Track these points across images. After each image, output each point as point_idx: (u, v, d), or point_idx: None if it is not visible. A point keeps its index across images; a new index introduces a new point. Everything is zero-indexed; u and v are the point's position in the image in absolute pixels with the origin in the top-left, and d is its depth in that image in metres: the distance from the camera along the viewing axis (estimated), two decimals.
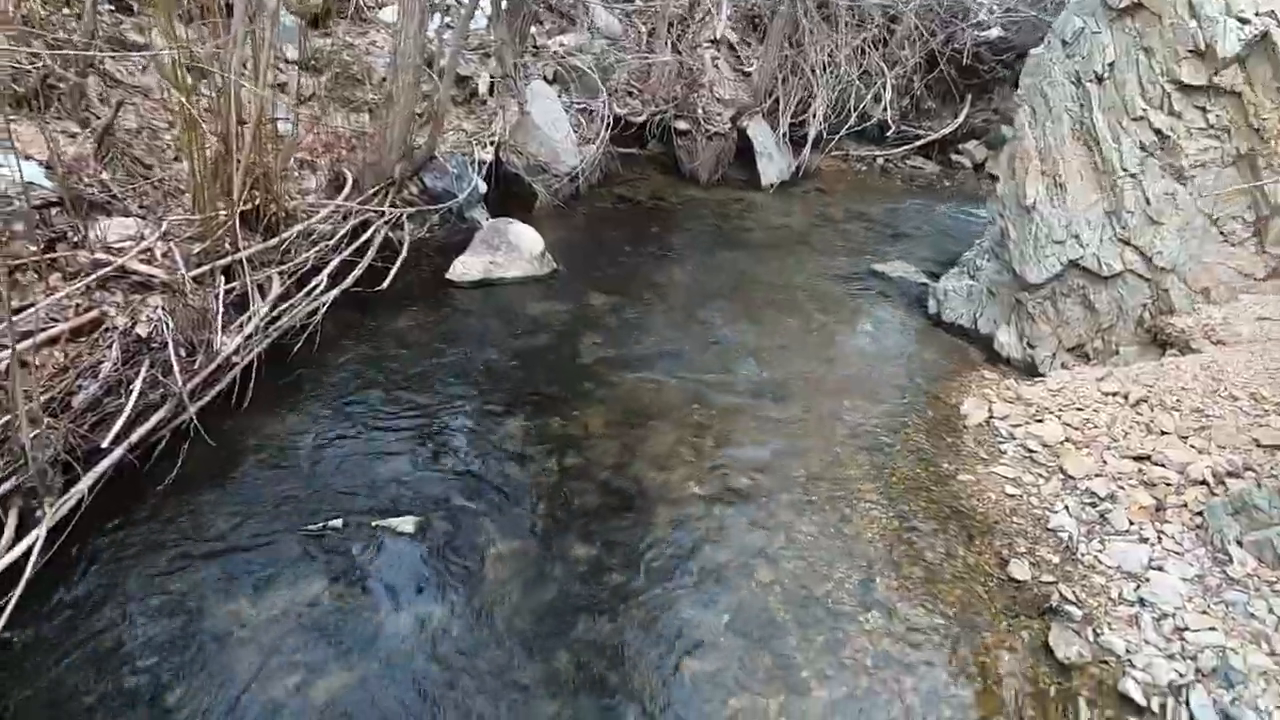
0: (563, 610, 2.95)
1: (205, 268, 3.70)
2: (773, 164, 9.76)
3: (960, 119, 11.67)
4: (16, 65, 3.93)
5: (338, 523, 3.08)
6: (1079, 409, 4.37)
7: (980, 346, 5.66)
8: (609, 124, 8.27)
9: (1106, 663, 2.89)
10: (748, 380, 4.84)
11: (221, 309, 3.58)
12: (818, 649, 2.91)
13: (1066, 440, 4.16)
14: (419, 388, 4.19)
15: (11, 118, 3.71)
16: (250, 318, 3.80)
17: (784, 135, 10.00)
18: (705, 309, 5.83)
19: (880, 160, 11.24)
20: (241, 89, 4.08)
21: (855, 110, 10.37)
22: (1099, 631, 3.01)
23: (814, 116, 10.14)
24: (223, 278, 3.80)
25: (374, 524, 3.11)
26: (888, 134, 10.93)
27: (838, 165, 10.83)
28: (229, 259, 3.85)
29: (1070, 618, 3.07)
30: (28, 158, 3.49)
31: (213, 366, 3.47)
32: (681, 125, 9.39)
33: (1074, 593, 3.19)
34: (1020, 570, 3.33)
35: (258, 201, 4.32)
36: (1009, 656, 2.93)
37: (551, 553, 3.22)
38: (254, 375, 3.73)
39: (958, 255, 6.73)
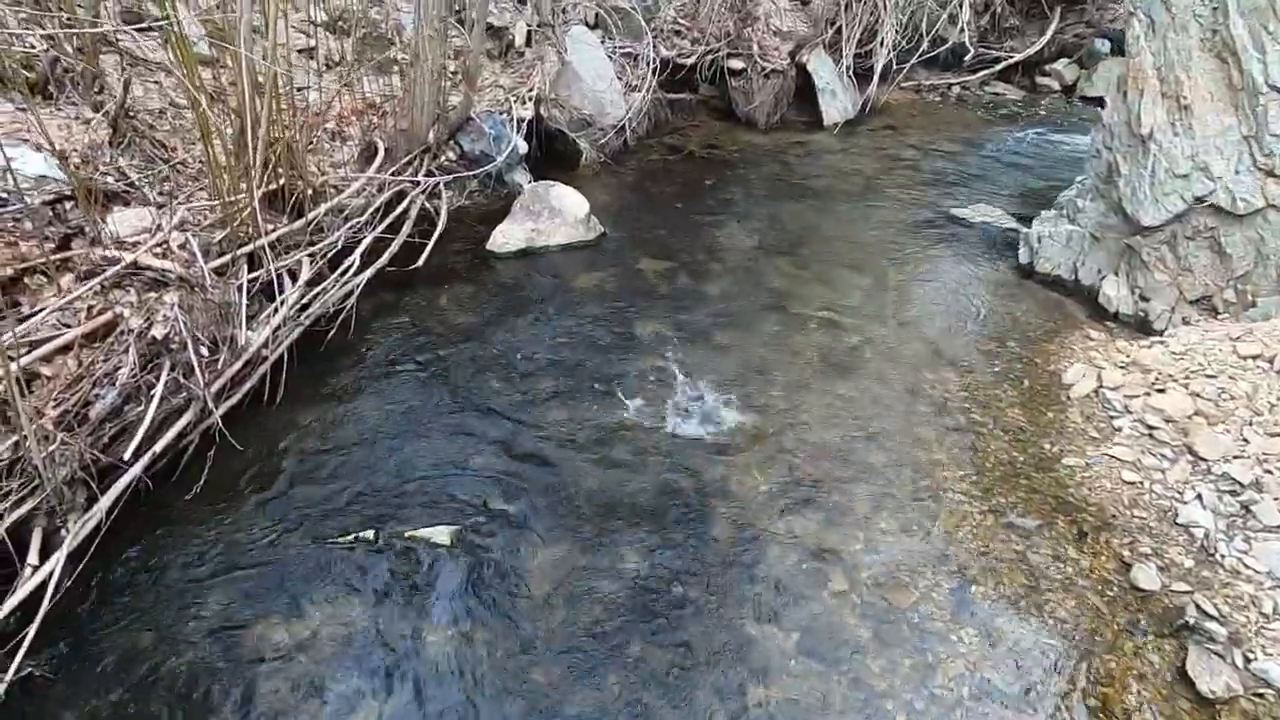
0: (612, 630, 2.67)
1: (226, 257, 3.49)
2: (836, 101, 8.94)
3: (1048, 36, 10.40)
4: (29, 49, 3.73)
5: (370, 534, 2.87)
6: (1211, 375, 3.73)
7: (1082, 301, 4.98)
8: (656, 68, 7.66)
9: (1263, 695, 2.42)
10: (815, 351, 4.37)
11: (245, 300, 3.36)
12: (903, 675, 2.54)
13: (1196, 414, 3.55)
14: (457, 374, 3.92)
15: (22, 107, 3.54)
16: (279, 307, 3.58)
17: (848, 68, 9.12)
18: (767, 270, 5.34)
19: (956, 89, 10.20)
20: (256, 58, 3.77)
21: (928, 34, 9.36)
22: (1250, 656, 2.52)
23: (881, 44, 9.18)
24: (246, 266, 3.58)
25: (407, 534, 2.88)
26: (965, 59, 9.87)
27: (909, 97, 9.87)
28: (252, 245, 3.62)
29: (1212, 638, 2.59)
30: (39, 149, 3.31)
31: (239, 364, 3.28)
32: (735, 64, 8.65)
33: (1215, 605, 2.69)
34: (1146, 576, 2.84)
35: (282, 180, 4.06)
36: (1138, 687, 2.48)
37: (600, 563, 2.93)
38: (285, 369, 3.53)
39: (1051, 194, 5.95)
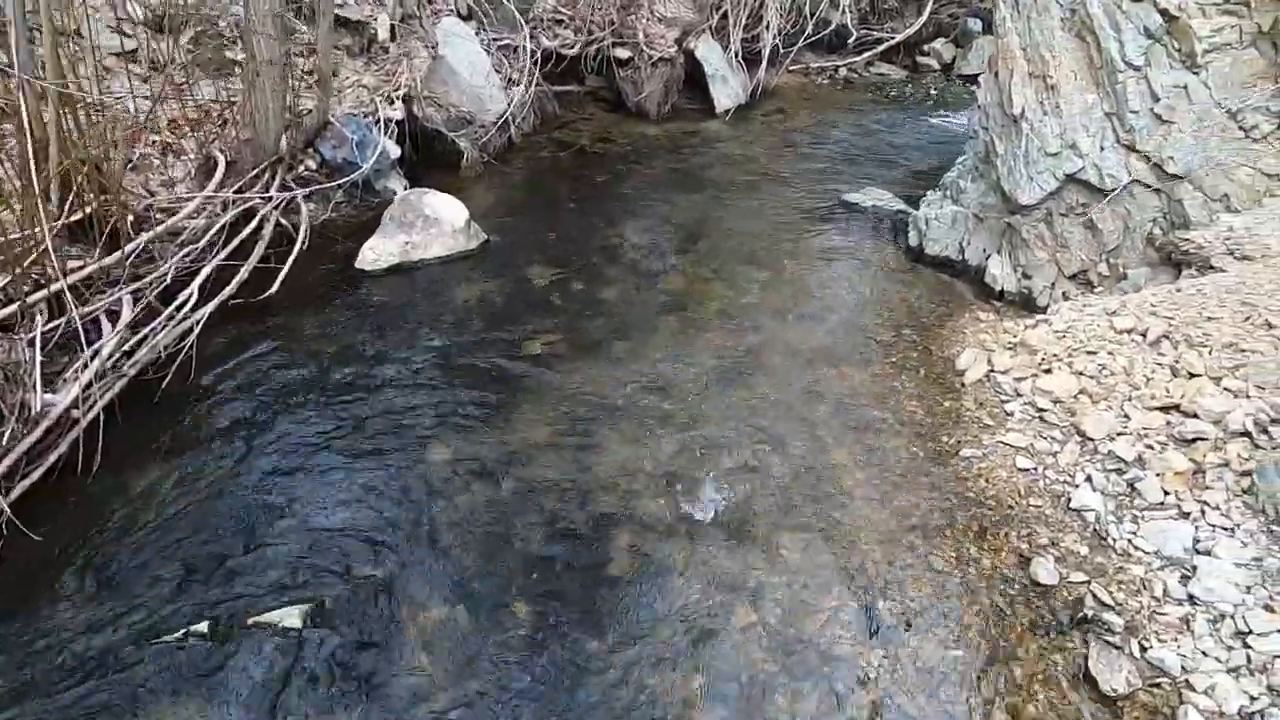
0: (500, 700, 2.39)
1: (12, 307, 2.93)
2: (727, 87, 8.83)
3: (924, 16, 10.65)
4: None
5: (203, 626, 2.46)
6: (1091, 352, 3.78)
7: (970, 281, 5.04)
8: (538, 60, 7.29)
9: (1159, 686, 2.40)
10: (715, 356, 4.20)
11: (39, 357, 2.84)
12: (813, 710, 2.38)
13: (1081, 393, 3.59)
14: (320, 416, 3.50)
15: None
16: (90, 359, 3.06)
17: (736, 53, 9.01)
18: (663, 270, 5.13)
19: (843, 70, 10.32)
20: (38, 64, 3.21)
21: (812, 17, 9.39)
22: (1146, 644, 2.51)
23: (767, 28, 9.14)
24: (45, 313, 3.03)
25: (250, 621, 2.49)
26: (849, 40, 9.99)
27: (798, 81, 9.90)
28: (50, 289, 3.08)
29: (1110, 629, 2.56)
30: None
31: (36, 434, 2.77)
32: (621, 53, 8.37)
33: (1110, 594, 2.68)
34: (1045, 570, 2.80)
35: (90, 207, 3.50)
36: (1044, 693, 2.43)
37: (484, 621, 2.64)
38: (102, 431, 3.02)
39: (937, 175, 6.03)
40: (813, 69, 10.19)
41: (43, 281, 3.12)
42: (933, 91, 9.73)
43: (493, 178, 6.43)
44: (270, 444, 3.29)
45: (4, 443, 2.64)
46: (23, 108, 3.02)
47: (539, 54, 7.38)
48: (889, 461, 3.43)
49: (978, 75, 10.24)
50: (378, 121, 5.67)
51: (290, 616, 2.47)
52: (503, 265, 5.04)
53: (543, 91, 7.59)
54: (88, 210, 3.48)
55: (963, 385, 3.90)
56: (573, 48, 8.09)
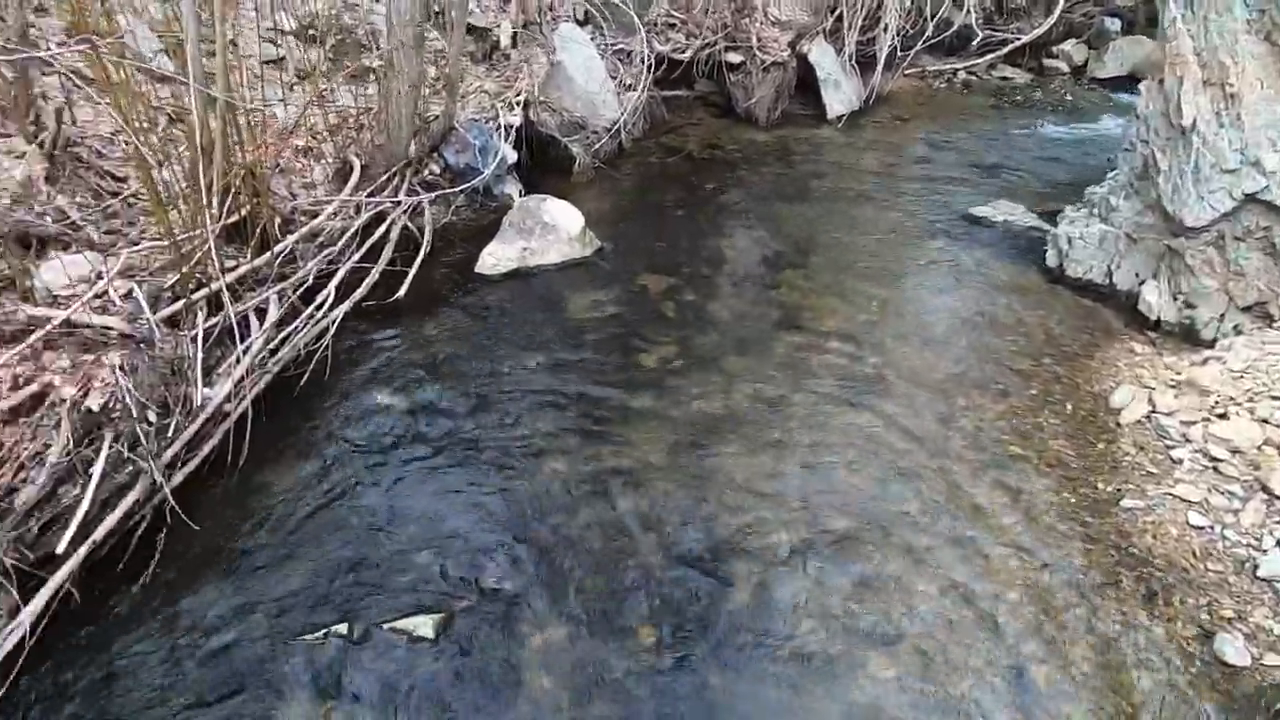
0: None
1: (179, 304, 3.12)
2: (840, 92, 8.55)
3: (1055, 16, 9.94)
4: None
5: (342, 628, 2.52)
6: (1277, 397, 3.36)
7: (1119, 308, 4.61)
8: (650, 65, 7.25)
9: None
10: (834, 376, 4.01)
11: (201, 353, 3.00)
12: None
13: (1266, 444, 3.20)
14: (444, 421, 3.56)
15: None
16: (242, 355, 3.22)
17: (851, 57, 8.70)
18: (776, 284, 4.96)
19: (962, 74, 9.81)
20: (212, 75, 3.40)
21: (933, 18, 8.94)
22: None
23: (884, 30, 8.77)
24: (205, 311, 3.21)
25: (386, 626, 2.53)
26: (971, 42, 9.45)
27: (914, 85, 9.48)
28: (210, 288, 3.26)
29: None
30: None
31: (196, 426, 2.92)
32: (733, 57, 8.23)
33: None
34: (1233, 649, 2.49)
35: (245, 210, 3.69)
36: None
37: (608, 645, 2.58)
38: (250, 425, 3.17)
39: (1075, 188, 5.57)
40: (930, 72, 9.73)
41: (204, 280, 3.30)
42: (1067, 97, 9.08)
43: (603, 183, 6.44)
44: (398, 447, 3.37)
45: (170, 434, 2.79)
46: (194, 116, 3.19)
47: (651, 58, 7.35)
48: (1035, 506, 3.15)
49: (1114, 79, 9.54)
50: (498, 127, 5.76)
51: (424, 626, 2.50)
52: (615, 273, 5.01)
53: (653, 96, 7.56)
54: (242, 213, 3.67)
55: (1118, 426, 3.55)
56: (684, 52, 8.02)
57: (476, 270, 4.80)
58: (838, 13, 8.70)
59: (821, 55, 8.55)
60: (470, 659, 2.49)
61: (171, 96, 4.33)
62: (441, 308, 4.42)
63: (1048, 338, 4.35)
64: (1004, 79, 9.92)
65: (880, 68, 8.56)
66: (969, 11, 9.26)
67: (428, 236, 4.79)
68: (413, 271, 4.41)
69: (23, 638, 2.20)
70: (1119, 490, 3.17)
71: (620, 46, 7.39)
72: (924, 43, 8.92)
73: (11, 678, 2.22)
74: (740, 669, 2.53)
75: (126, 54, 3.86)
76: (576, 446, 3.48)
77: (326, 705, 2.32)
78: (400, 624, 2.52)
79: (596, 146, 6.60)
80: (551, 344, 4.22)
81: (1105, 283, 4.78)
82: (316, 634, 2.48)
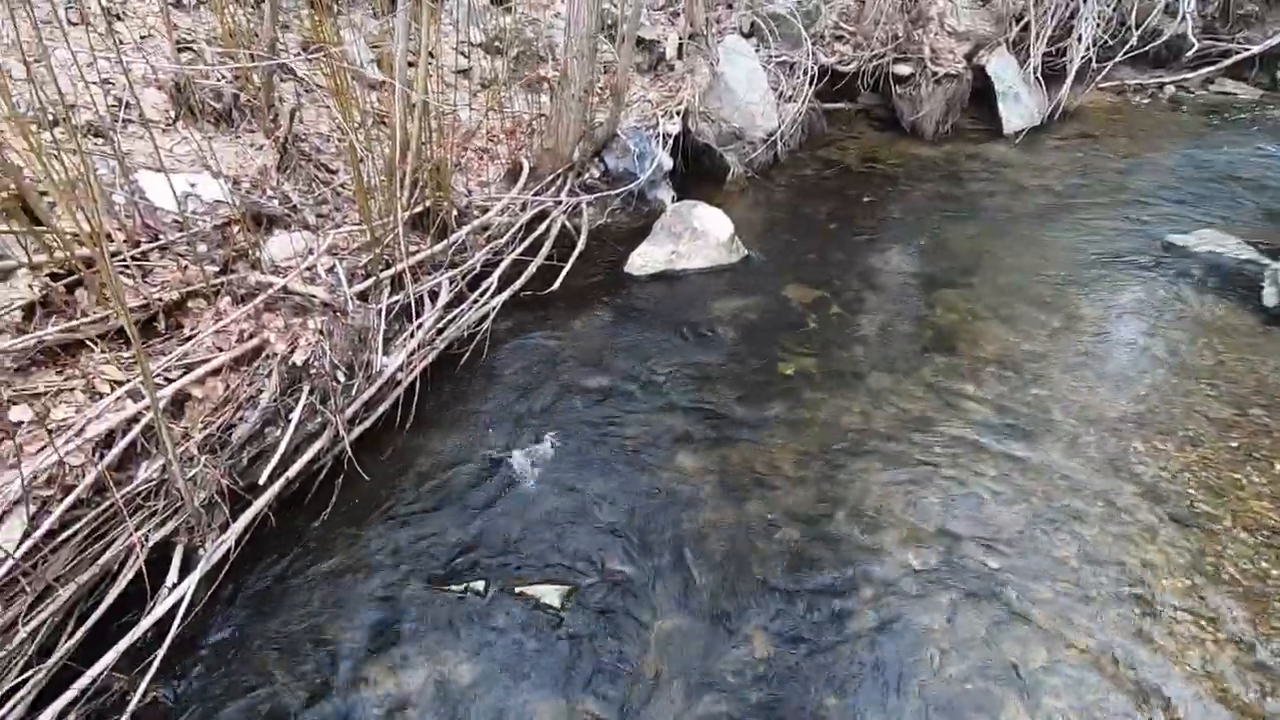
0: None
1: (370, 281, 3.53)
2: (1019, 106, 7.97)
3: None
4: (219, 81, 4.02)
5: (480, 585, 2.73)
6: None
7: None
8: (813, 77, 7.18)
9: None
10: (990, 404, 3.75)
11: (384, 325, 3.38)
12: None
13: None
14: (586, 408, 3.74)
15: (209, 135, 3.81)
16: (415, 330, 3.58)
17: (1036, 69, 8.08)
18: (932, 303, 4.72)
19: (1170, 88, 8.80)
20: (412, 82, 3.83)
21: (1137, 27, 8.10)
22: None
23: (1079, 40, 8.07)
24: (389, 289, 3.61)
25: (518, 590, 2.71)
26: (1185, 54, 8.45)
27: (1108, 100, 8.64)
28: (395, 269, 3.66)
29: None
30: (216, 175, 3.53)
31: (373, 389, 3.29)
32: (902, 70, 7.93)
33: None
34: None
35: (429, 201, 4.10)
36: None
37: (722, 645, 2.59)
38: (416, 394, 3.52)
39: None
40: (1129, 86, 8.84)
41: (390, 262, 3.70)
42: None
43: (756, 194, 6.44)
44: (543, 428, 3.58)
45: (352, 393, 3.17)
46: (396, 117, 3.61)
47: (815, 70, 7.26)
48: (1224, 573, 2.77)
49: None
50: (656, 135, 5.96)
51: (550, 595, 2.65)
52: (761, 282, 5.01)
53: (813, 109, 7.46)
54: (426, 204, 4.08)
55: None
56: (850, 64, 7.84)
57: (625, 270, 4.98)
58: (1024, 22, 8.13)
59: (1002, 66, 8.02)
60: (590, 633, 2.61)
61: (376, 100, 4.91)
62: (591, 302, 4.65)
63: (1258, 385, 3.80)
64: (1224, 94, 8.78)
65: (1070, 80, 7.90)
66: (1184, 19, 8.32)
67: (583, 235, 5.05)
68: (567, 267, 4.67)
69: (228, 550, 2.60)
70: None
71: (784, 59, 7.37)
72: (1125, 54, 8.12)
73: (219, 581, 2.63)
74: (856, 698, 2.44)
75: (345, 63, 4.44)
76: (708, 446, 3.52)
77: (457, 653, 2.53)
78: (529, 590, 2.69)
79: (752, 157, 6.63)
80: (691, 344, 4.30)
81: None
82: (457, 587, 2.71)
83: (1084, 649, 2.53)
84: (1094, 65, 8.02)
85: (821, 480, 3.33)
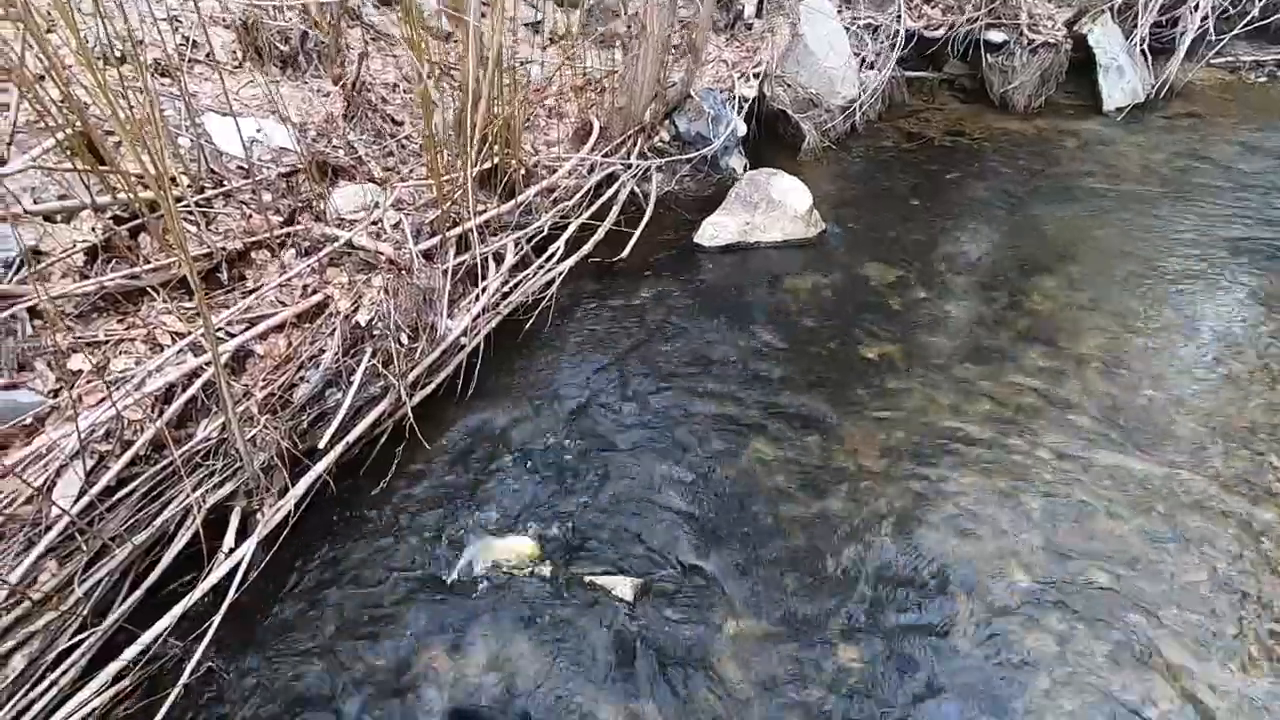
0: None
1: (435, 239, 3.35)
2: (1121, 80, 7.34)
3: None
4: (286, 24, 3.85)
5: (546, 569, 2.56)
6: None
7: None
8: (899, 42, 6.70)
9: None
10: (1096, 404, 3.41)
11: (449, 286, 3.20)
12: None
13: None
14: (654, 385, 3.52)
15: (274, 80, 3.64)
16: (480, 294, 3.40)
17: (1142, 40, 7.41)
18: (1025, 290, 4.35)
19: None
20: (483, 30, 3.59)
21: None
22: None
23: (1194, 10, 7.37)
24: (454, 249, 3.42)
25: (587, 578, 2.53)
26: None
27: (1221, 78, 7.91)
28: (462, 227, 3.46)
29: None
30: (283, 121, 3.37)
31: (437, 353, 3.13)
32: (994, 36, 7.36)
33: None
34: None
35: (497, 159, 3.89)
36: None
37: (802, 652, 2.38)
38: (479, 360, 3.35)
39: None
40: (1244, 63, 8.08)
41: (456, 220, 3.51)
42: None
43: (831, 164, 6.06)
44: (607, 404, 3.38)
45: (415, 356, 3.01)
46: (470, 69, 3.38)
47: (901, 35, 6.78)
48: None
49: None
50: (731, 98, 5.62)
51: (623, 587, 2.47)
52: (839, 258, 4.68)
53: (894, 77, 6.99)
54: (495, 161, 3.87)
55: None
56: (938, 29, 7.31)
57: (695, 240, 4.71)
58: None
59: (1105, 36, 7.38)
60: (662, 631, 2.42)
61: (444, 53, 4.70)
62: (659, 273, 4.40)
63: None
64: None
65: (1180, 54, 7.23)
66: None
67: (652, 202, 4.79)
68: (636, 234, 4.43)
69: (287, 515, 2.47)
70: None
71: (868, 21, 6.89)
72: (1243, 26, 7.39)
73: (277, 546, 2.52)
74: None
75: (414, 13, 4.23)
76: (785, 434, 3.28)
77: (520, 641, 2.37)
78: (600, 580, 2.51)
79: (829, 126, 6.23)
80: (764, 322, 4.03)
81: None
82: (521, 570, 2.55)
83: (1215, 686, 2.24)
84: (1210, 38, 7.32)
85: (910, 479, 3.06)
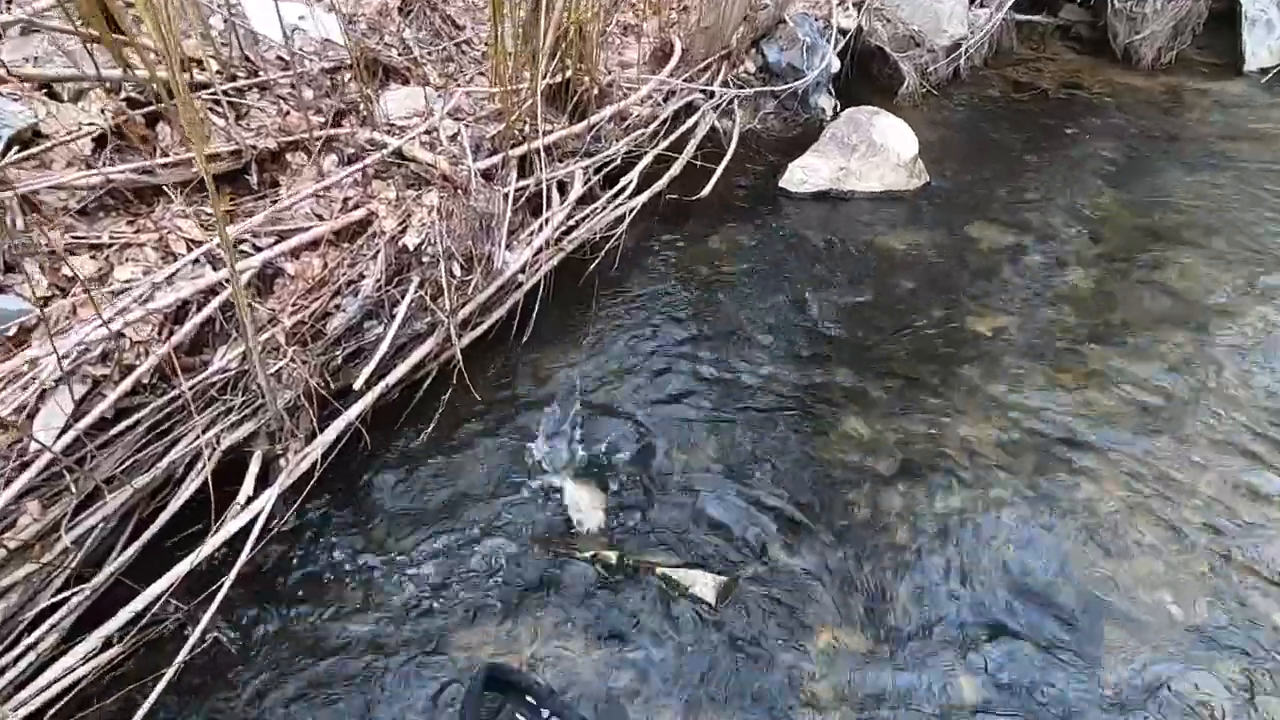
0: None
1: (496, 158, 2.89)
2: (1270, 37, 6.41)
3: None
4: None
5: (611, 556, 2.16)
6: None
7: None
8: None
9: None
10: (1261, 400, 2.86)
11: (509, 213, 2.75)
12: None
13: None
14: (736, 344, 3.07)
15: None
16: (543, 225, 2.95)
17: None
18: (1162, 263, 3.76)
19: None
20: None
21: None
22: None
23: None
24: (515, 172, 2.97)
25: (659, 570, 2.13)
26: None
27: None
28: (526, 146, 3.00)
29: None
30: (331, 9, 2.91)
31: (492, 288, 2.71)
32: None
33: None
34: None
35: (568, 74, 3.38)
36: None
37: (910, 678, 1.96)
38: (538, 301, 2.92)
39: None
40: None
41: (520, 139, 3.05)
42: None
43: (932, 111, 5.39)
44: (683, 362, 2.95)
45: (468, 291, 2.59)
46: None
47: None
48: None
49: None
50: (827, 27, 4.97)
51: (704, 586, 2.06)
52: (943, 215, 4.11)
53: (1005, 20, 6.19)
54: (566, 75, 3.37)
55: None
56: None
57: (780, 184, 4.17)
58: None
59: None
60: (747, 639, 2.02)
61: None
62: (740, 218, 3.89)
63: None
64: None
65: None
66: None
67: (735, 138, 4.25)
68: (718, 172, 3.91)
69: (313, 464, 2.11)
70: None
71: None
72: None
73: (301, 500, 2.16)
74: None
75: None
76: (884, 411, 2.81)
77: (575, 638, 1.99)
78: (676, 574, 2.11)
79: (931, 68, 5.53)
80: (858, 282, 3.52)
81: None
82: (582, 553, 2.16)
83: None
84: None
85: (1036, 475, 2.58)
